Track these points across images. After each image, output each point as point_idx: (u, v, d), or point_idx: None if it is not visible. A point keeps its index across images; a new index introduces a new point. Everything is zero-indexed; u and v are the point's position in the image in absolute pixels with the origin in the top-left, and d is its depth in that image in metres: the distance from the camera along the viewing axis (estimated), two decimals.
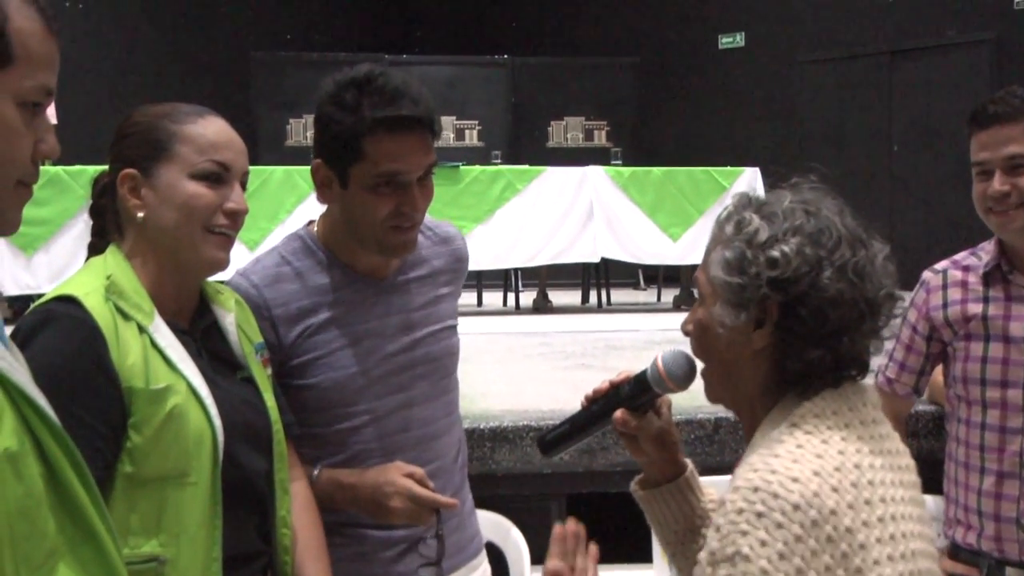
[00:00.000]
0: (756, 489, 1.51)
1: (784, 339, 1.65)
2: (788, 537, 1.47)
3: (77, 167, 7.08)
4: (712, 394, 1.81)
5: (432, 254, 2.40)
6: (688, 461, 1.99)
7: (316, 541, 2.12)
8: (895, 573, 1.53)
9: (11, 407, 1.17)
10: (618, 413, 1.89)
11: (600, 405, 1.93)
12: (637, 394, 1.89)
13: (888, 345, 3.05)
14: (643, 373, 1.88)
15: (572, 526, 1.75)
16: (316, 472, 2.20)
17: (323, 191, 2.22)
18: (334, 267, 2.27)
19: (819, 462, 1.54)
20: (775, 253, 1.62)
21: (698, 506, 1.96)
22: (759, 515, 1.49)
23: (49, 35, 1.29)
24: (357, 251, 2.26)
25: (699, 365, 1.82)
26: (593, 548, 1.77)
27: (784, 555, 1.47)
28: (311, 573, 2.08)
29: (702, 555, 1.54)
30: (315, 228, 2.33)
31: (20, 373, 1.21)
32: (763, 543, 1.47)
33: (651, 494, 1.97)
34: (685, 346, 1.84)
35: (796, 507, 1.48)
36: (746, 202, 1.73)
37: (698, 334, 1.76)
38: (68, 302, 1.80)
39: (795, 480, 1.50)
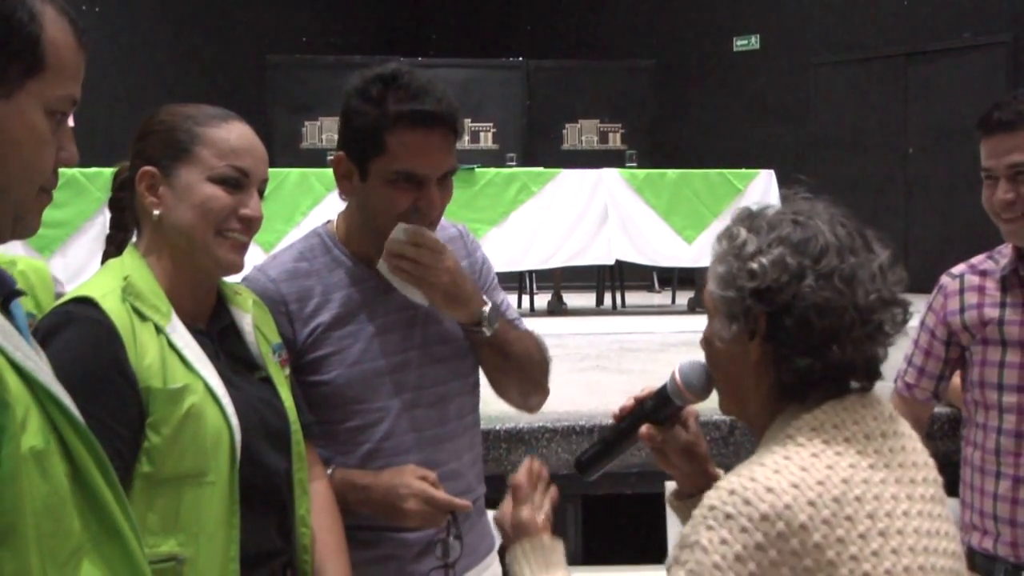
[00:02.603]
0: (732, 492, 1.54)
1: (774, 350, 1.66)
2: (749, 543, 1.50)
3: (93, 169, 7.10)
4: (724, 406, 1.84)
5: None
6: (720, 471, 2.00)
7: (336, 541, 2.13)
8: None
9: (37, 406, 1.19)
10: (643, 428, 1.93)
11: (628, 421, 1.96)
12: (660, 408, 1.93)
13: (907, 350, 3.05)
14: (664, 387, 1.91)
15: (537, 467, 1.94)
16: (329, 472, 2.21)
17: (343, 184, 2.24)
18: (350, 264, 2.29)
19: (802, 475, 1.55)
20: (754, 265, 1.64)
21: None
22: (727, 516, 1.52)
23: (79, 47, 1.33)
24: (373, 248, 2.27)
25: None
26: (554, 490, 1.95)
27: (740, 558, 1.50)
28: (331, 572, 2.08)
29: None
30: (333, 226, 2.35)
31: (45, 372, 1.23)
32: (723, 541, 1.51)
33: (685, 504, 2.00)
34: (701, 352, 1.86)
35: (764, 517, 1.50)
36: (741, 216, 1.76)
37: (705, 349, 1.81)
38: (85, 304, 1.81)
39: (770, 491, 1.52)
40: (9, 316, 1.26)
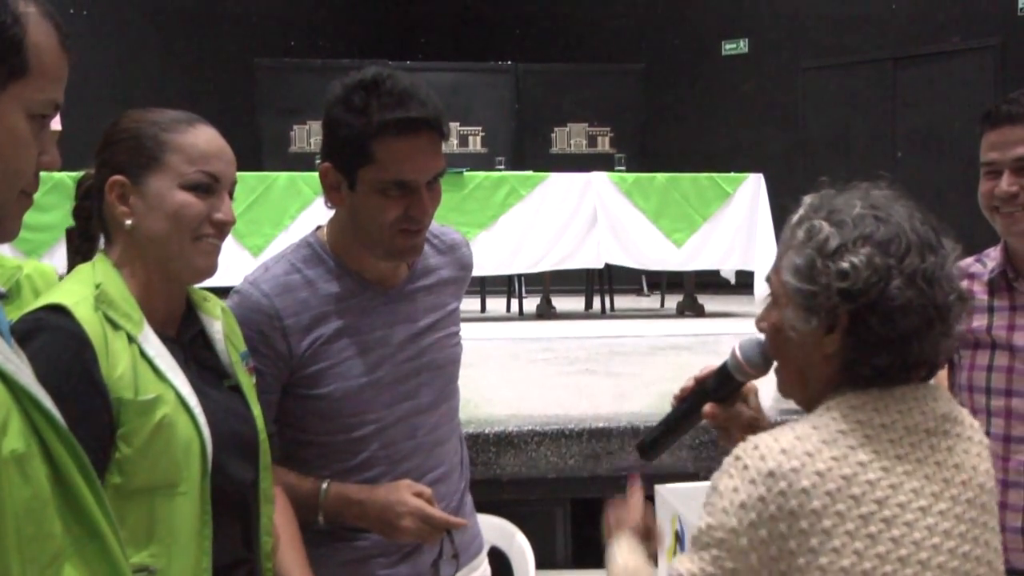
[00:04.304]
0: (755, 447, 1.62)
1: (854, 345, 1.67)
2: (754, 494, 1.58)
3: (82, 173, 7.08)
4: (785, 390, 1.85)
5: (439, 263, 2.40)
6: None
7: (291, 534, 2.13)
8: (857, 567, 1.56)
9: (18, 409, 1.18)
10: (707, 407, 1.95)
11: (689, 402, 1.99)
12: (721, 386, 1.96)
13: None
14: (724, 365, 1.95)
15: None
16: (324, 487, 2.20)
17: (332, 194, 2.22)
18: (344, 275, 2.26)
19: (820, 446, 1.60)
20: (845, 265, 1.64)
21: None
22: (744, 467, 1.61)
23: (62, 51, 1.32)
24: (365, 258, 2.25)
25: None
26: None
27: (744, 506, 1.58)
28: (288, 563, 2.08)
29: None
30: (324, 234, 2.31)
31: (26, 375, 1.22)
32: (735, 489, 1.60)
33: None
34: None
35: (770, 474, 1.58)
36: (817, 206, 1.75)
37: (772, 335, 1.80)
38: (58, 312, 1.78)
39: (783, 451, 1.59)
40: None
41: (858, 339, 1.66)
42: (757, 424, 1.97)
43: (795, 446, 1.59)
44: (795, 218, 1.76)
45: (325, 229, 2.32)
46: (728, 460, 1.64)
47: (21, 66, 1.25)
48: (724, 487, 1.61)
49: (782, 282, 1.73)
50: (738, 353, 1.91)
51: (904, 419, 1.67)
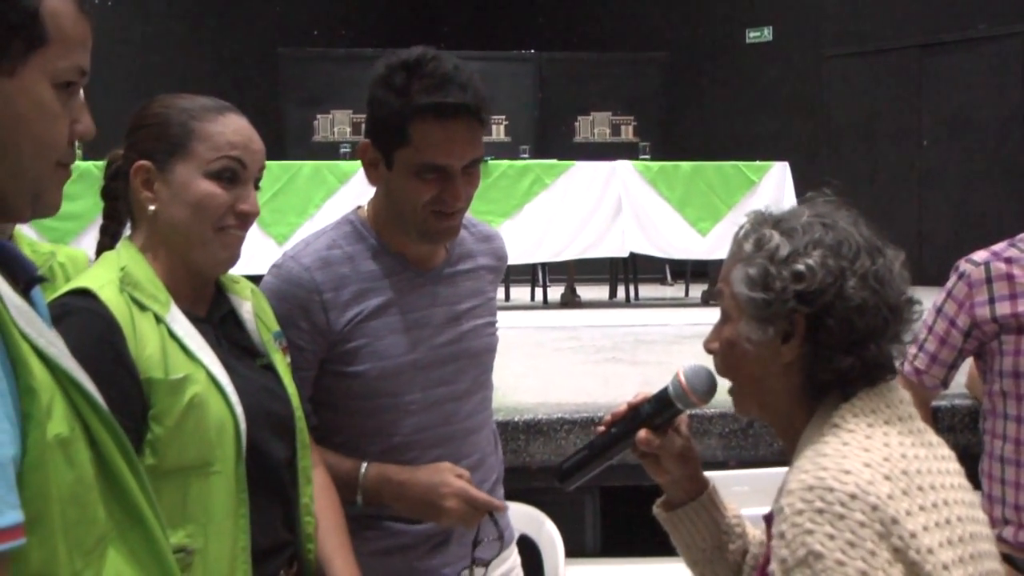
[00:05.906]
0: (811, 488, 1.53)
1: (813, 350, 1.68)
2: (853, 525, 1.49)
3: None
4: (743, 408, 1.83)
5: (476, 250, 2.40)
6: (709, 477, 1.99)
7: (335, 518, 2.11)
8: (954, 557, 1.55)
9: (61, 393, 1.18)
10: (641, 433, 1.88)
11: (620, 427, 1.91)
12: (659, 412, 1.88)
13: (919, 334, 3.01)
14: (664, 390, 1.88)
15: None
16: (364, 467, 2.19)
17: (370, 171, 2.22)
18: (384, 254, 2.25)
19: (867, 455, 1.57)
20: (800, 267, 1.65)
21: (723, 521, 1.97)
22: (820, 511, 1.51)
23: (81, 15, 1.29)
24: (405, 238, 2.25)
25: (726, 381, 1.83)
26: None
27: (853, 543, 1.48)
28: (330, 547, 2.06)
29: (772, 567, 1.56)
30: (364, 212, 2.31)
31: (68, 359, 1.21)
32: (831, 536, 1.49)
33: (676, 515, 1.97)
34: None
35: (853, 496, 1.51)
36: (763, 219, 1.77)
37: (725, 351, 1.79)
38: (83, 295, 1.78)
39: (847, 472, 1.53)
40: (30, 303, 1.25)
41: (817, 344, 1.67)
42: (688, 453, 1.92)
43: (851, 464, 1.55)
44: (741, 232, 1.77)
45: (366, 208, 2.32)
46: (792, 523, 1.53)
47: (40, 35, 1.23)
48: (820, 545, 1.49)
49: (733, 294, 1.74)
50: (683, 379, 1.84)
51: (894, 411, 1.68)
